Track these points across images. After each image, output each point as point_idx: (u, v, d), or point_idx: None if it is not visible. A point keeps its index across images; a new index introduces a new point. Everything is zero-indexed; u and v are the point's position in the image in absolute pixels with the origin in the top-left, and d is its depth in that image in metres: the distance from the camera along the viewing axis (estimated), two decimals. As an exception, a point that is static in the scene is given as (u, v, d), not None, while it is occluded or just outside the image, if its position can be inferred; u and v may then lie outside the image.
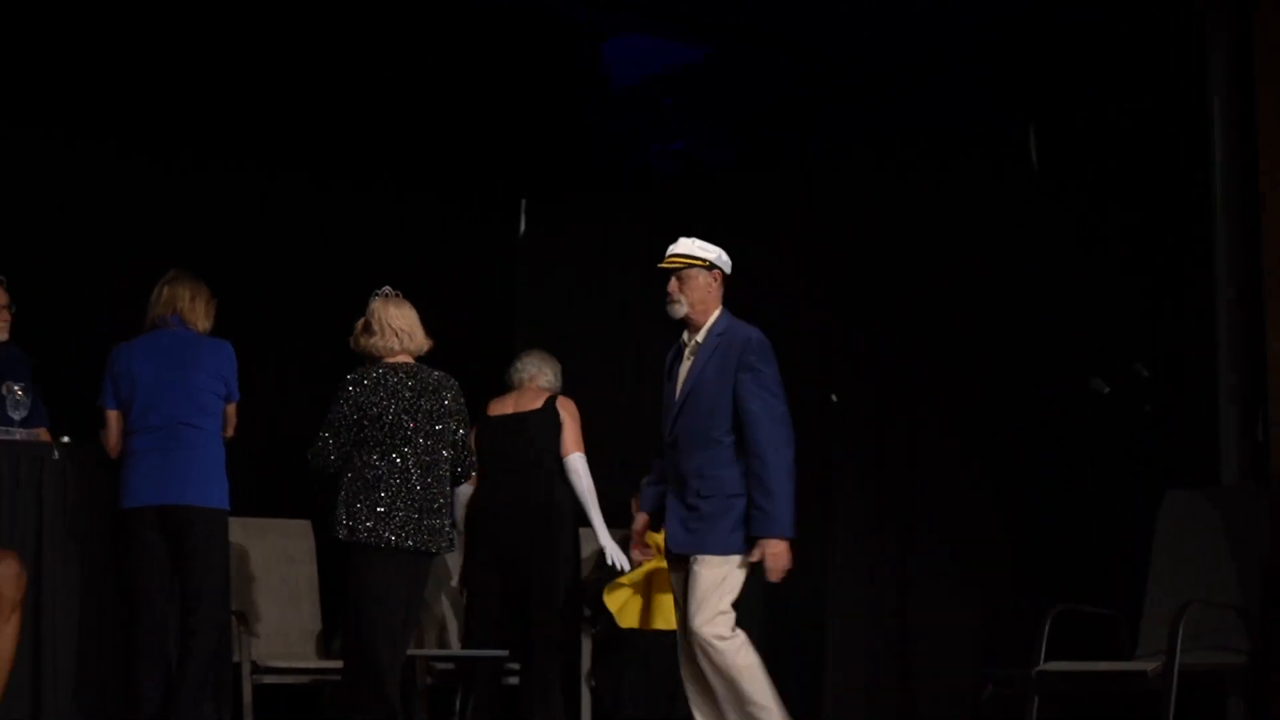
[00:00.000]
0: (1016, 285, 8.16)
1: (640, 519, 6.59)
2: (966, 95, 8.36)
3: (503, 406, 7.93)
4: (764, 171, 9.08)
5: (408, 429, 6.75)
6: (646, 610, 7.60)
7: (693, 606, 6.16)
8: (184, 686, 6.72)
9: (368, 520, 6.67)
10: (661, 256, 9.34)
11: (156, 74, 8.56)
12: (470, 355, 9.41)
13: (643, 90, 9.08)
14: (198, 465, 6.75)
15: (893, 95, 8.58)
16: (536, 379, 7.93)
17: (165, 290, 6.92)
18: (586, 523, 7.87)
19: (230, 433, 6.93)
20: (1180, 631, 6.35)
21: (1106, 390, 7.49)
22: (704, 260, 6.45)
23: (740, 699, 6.12)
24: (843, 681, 8.38)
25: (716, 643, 6.12)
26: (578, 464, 7.82)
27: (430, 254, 9.54)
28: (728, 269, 6.51)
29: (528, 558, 7.70)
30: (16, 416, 6.88)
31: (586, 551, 8.10)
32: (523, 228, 9.80)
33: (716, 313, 6.47)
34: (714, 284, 6.47)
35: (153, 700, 6.72)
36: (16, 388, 6.88)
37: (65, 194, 8.43)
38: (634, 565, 7.70)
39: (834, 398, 8.20)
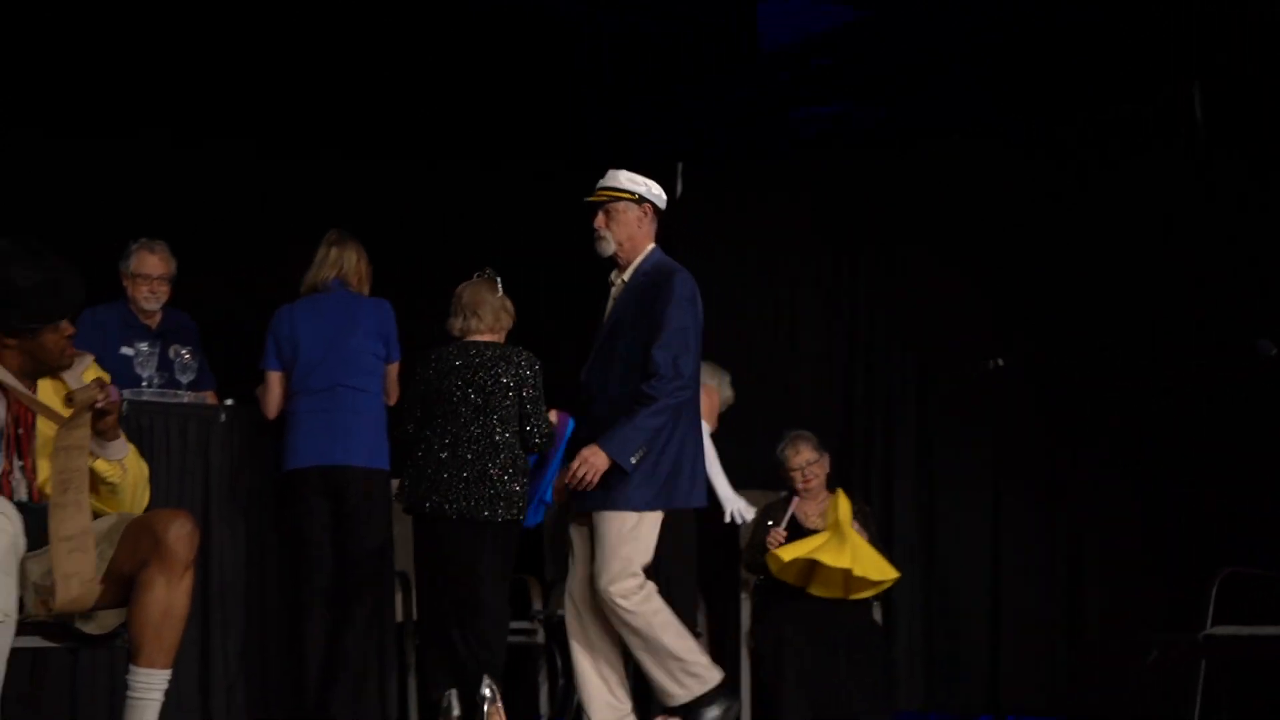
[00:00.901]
0: (1179, 246, 8.05)
1: None
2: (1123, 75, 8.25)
3: None
4: (924, 138, 9.00)
5: (457, 402, 6.81)
6: (809, 573, 7.57)
7: (600, 565, 5.91)
8: (347, 646, 6.82)
9: (420, 489, 6.78)
10: (819, 222, 9.34)
11: (325, 69, 8.67)
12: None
13: (796, 53, 9.01)
14: (359, 426, 6.84)
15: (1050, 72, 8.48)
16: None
17: (333, 251, 6.99)
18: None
19: (392, 400, 7.00)
20: (1352, 595, 6.24)
21: (1275, 351, 7.34)
22: (633, 194, 6.08)
23: (658, 653, 5.91)
24: (1015, 644, 8.31)
25: (621, 601, 5.91)
26: None
27: (586, 221, 9.54)
28: (661, 204, 6.15)
29: None
30: (184, 380, 6.98)
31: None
32: (679, 192, 9.78)
33: (647, 250, 6.11)
34: (645, 219, 6.11)
35: (316, 658, 6.83)
36: (184, 351, 6.98)
37: (227, 167, 8.54)
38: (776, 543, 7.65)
39: (1000, 361, 8.11)
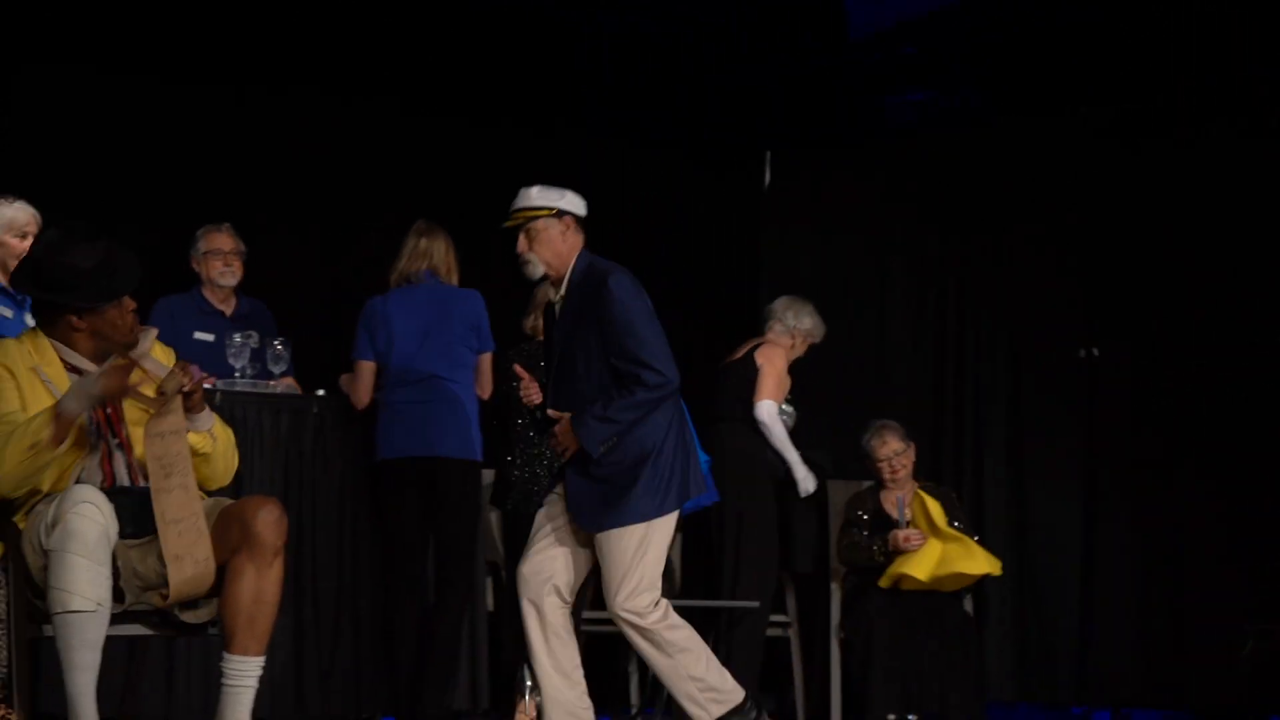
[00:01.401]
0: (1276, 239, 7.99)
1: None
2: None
3: (731, 356, 7.90)
4: (1008, 123, 8.94)
5: (516, 402, 6.93)
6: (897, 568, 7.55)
7: (612, 583, 5.67)
8: (439, 634, 6.85)
9: (499, 488, 7.06)
10: (909, 208, 9.29)
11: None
12: (715, 309, 9.45)
13: (885, 40, 8.98)
14: (453, 418, 6.85)
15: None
16: (773, 326, 7.85)
17: (423, 241, 7.00)
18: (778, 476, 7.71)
19: (486, 393, 7.02)
20: None
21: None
22: (551, 209, 5.79)
23: (678, 671, 5.71)
24: (1107, 634, 8.25)
25: (636, 620, 5.67)
26: (762, 414, 7.58)
27: (674, 209, 9.55)
28: (580, 211, 5.85)
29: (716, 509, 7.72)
30: (277, 370, 7.01)
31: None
32: (767, 180, 9.77)
33: (574, 259, 5.81)
34: (568, 231, 5.79)
35: (408, 646, 6.87)
36: (276, 342, 7.01)
37: (297, 147, 8.49)
38: (895, 549, 7.59)
39: (1095, 351, 8.05)
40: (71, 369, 4.82)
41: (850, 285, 9.35)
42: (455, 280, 7.03)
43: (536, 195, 5.81)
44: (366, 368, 6.96)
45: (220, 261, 7.25)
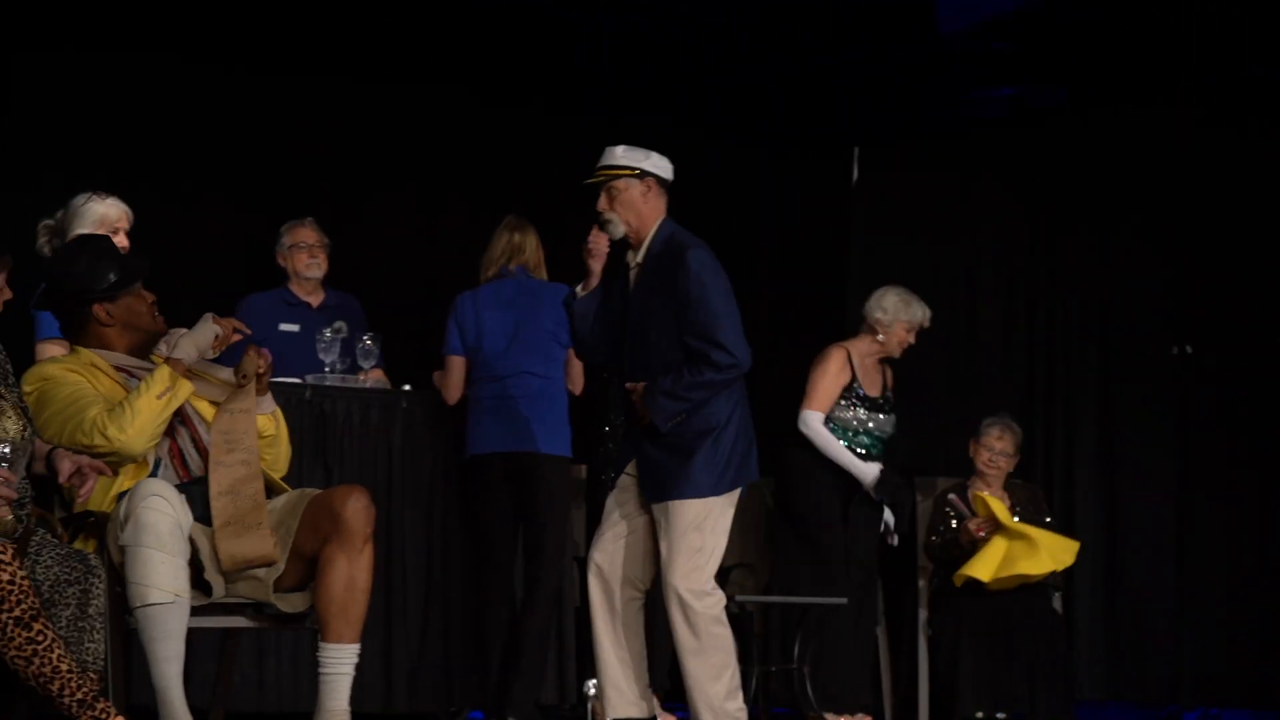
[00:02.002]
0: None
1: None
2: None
3: None
4: (1099, 117, 8.87)
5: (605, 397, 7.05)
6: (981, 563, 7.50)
7: (669, 557, 5.61)
8: (528, 629, 6.86)
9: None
10: (998, 203, 9.22)
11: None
12: (802, 303, 9.43)
13: (975, 35, 8.94)
14: (543, 413, 6.86)
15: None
16: (862, 323, 7.77)
17: (515, 237, 7.01)
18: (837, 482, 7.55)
19: (577, 388, 7.02)
20: None
21: None
22: (634, 169, 5.73)
23: (706, 669, 5.63)
24: (1200, 633, 8.17)
25: (691, 600, 5.61)
26: (800, 425, 7.45)
27: (762, 203, 9.53)
28: (665, 174, 5.79)
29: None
30: (367, 365, 7.04)
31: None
32: (855, 175, 9.72)
33: (657, 225, 5.77)
34: (650, 193, 5.74)
35: (498, 641, 6.89)
36: (366, 337, 7.05)
37: (381, 139, 8.51)
38: (972, 540, 7.53)
39: (1188, 348, 7.97)
40: (121, 369, 4.89)
41: (939, 282, 9.28)
42: (544, 275, 7.04)
43: (621, 154, 5.77)
44: (457, 363, 6.98)
45: (305, 254, 7.35)
